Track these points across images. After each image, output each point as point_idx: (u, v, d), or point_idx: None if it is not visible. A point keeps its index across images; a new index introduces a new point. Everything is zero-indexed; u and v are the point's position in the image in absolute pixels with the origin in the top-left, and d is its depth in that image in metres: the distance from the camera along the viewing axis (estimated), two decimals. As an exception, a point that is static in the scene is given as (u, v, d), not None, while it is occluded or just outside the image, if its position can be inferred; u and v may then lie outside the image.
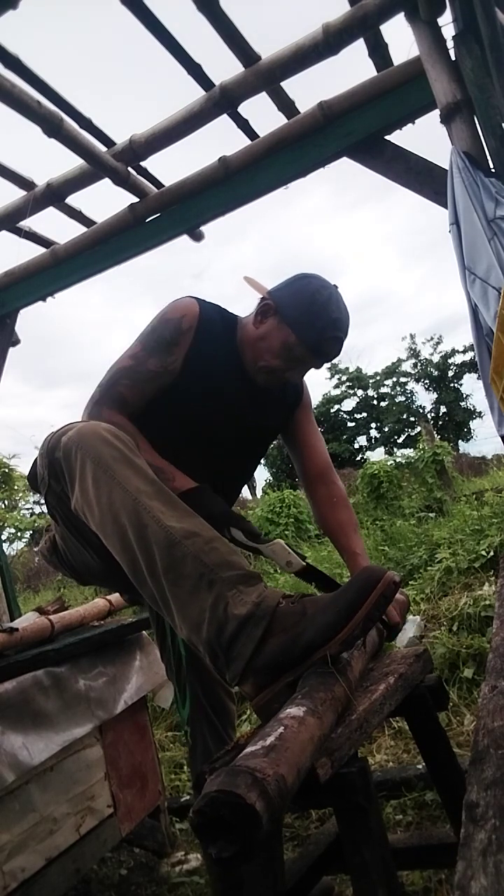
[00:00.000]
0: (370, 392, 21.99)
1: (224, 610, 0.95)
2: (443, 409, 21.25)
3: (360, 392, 22.03)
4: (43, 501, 1.32)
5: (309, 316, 1.28)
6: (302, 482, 1.57)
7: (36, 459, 1.29)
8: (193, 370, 1.31)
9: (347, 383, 22.01)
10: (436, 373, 21.05)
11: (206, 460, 1.34)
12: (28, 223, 2.70)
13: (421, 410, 20.79)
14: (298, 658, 0.91)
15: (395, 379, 21.66)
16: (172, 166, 2.56)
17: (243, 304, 1.46)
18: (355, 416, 22.10)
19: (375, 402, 21.88)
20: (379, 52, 2.14)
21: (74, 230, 2.77)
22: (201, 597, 0.97)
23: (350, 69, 2.28)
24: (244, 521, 1.23)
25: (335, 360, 21.80)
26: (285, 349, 1.30)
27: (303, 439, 1.54)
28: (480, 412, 20.59)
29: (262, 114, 2.33)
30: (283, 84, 2.23)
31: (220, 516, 1.18)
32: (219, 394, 1.33)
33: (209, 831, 0.64)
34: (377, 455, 19.82)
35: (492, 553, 3.42)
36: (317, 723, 0.78)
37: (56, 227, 2.79)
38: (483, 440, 21.92)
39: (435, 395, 21.33)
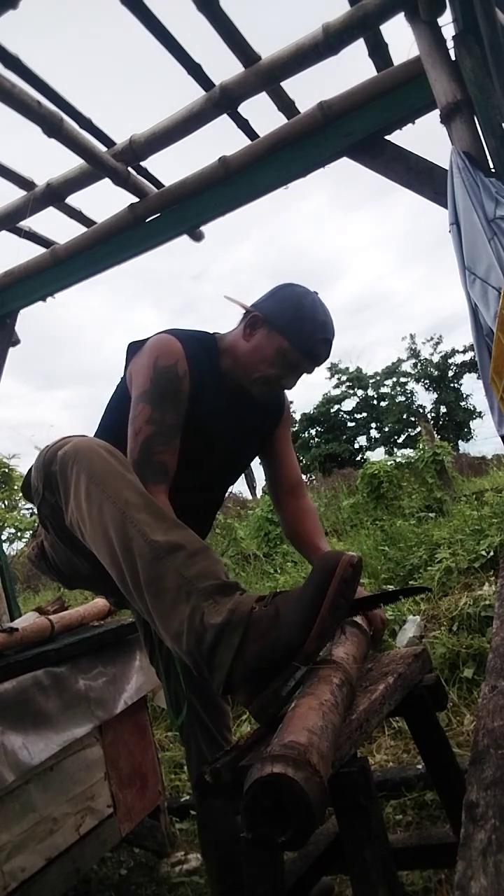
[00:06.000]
0: (370, 392, 22.02)
1: (200, 620, 0.96)
2: (443, 409, 21.27)
3: (360, 392, 22.06)
4: (35, 511, 1.33)
5: (298, 321, 1.30)
6: (272, 494, 1.60)
7: (30, 470, 1.30)
8: (191, 408, 1.32)
9: (347, 383, 22.03)
10: (436, 373, 21.07)
11: (199, 484, 1.38)
12: (28, 223, 2.70)
13: (421, 410, 20.80)
14: (281, 661, 0.92)
15: (395, 379, 21.69)
16: (172, 166, 2.56)
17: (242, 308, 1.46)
18: (355, 416, 22.12)
19: (375, 402, 21.90)
20: (379, 52, 2.15)
21: (74, 230, 2.77)
22: (180, 608, 0.98)
23: (350, 69, 2.28)
24: None
25: (335, 361, 21.94)
26: (279, 356, 1.32)
27: (280, 454, 1.57)
28: (480, 412, 20.65)
29: (262, 114, 2.34)
30: (283, 84, 2.23)
31: None
32: (211, 424, 1.35)
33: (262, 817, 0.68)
34: (377, 455, 19.87)
35: (492, 553, 3.42)
36: (308, 700, 0.82)
37: (56, 227, 2.80)
38: (483, 440, 22.00)
39: (435, 395, 21.36)
